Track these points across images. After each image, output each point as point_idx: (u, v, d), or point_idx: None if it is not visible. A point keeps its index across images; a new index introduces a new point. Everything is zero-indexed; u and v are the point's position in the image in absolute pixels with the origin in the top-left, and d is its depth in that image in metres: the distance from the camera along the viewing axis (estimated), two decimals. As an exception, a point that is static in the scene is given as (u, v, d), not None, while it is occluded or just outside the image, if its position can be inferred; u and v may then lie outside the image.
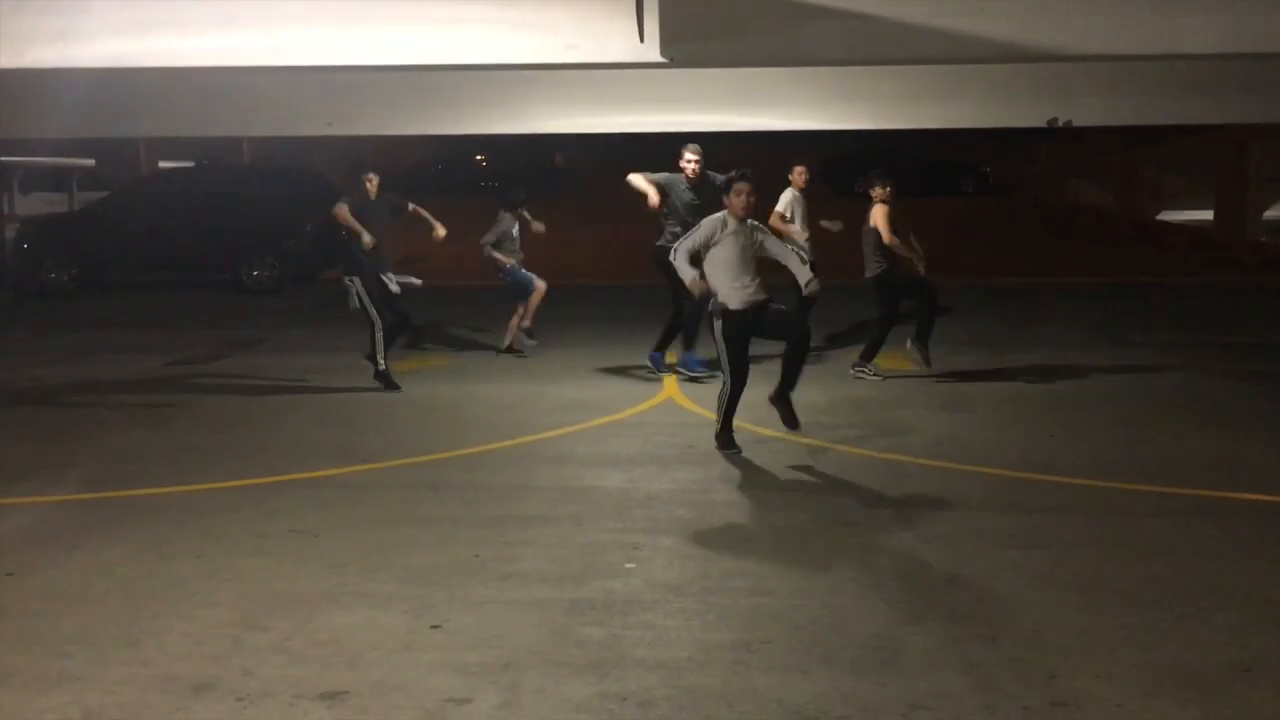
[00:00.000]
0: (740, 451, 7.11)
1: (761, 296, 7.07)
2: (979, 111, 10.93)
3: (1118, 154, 26.09)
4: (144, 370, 10.28)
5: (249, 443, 7.63)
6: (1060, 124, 10.57)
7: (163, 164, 23.60)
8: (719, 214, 7.12)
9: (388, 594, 4.88)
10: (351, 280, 9.18)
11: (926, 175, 27.68)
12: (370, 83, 10.12)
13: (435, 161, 30.74)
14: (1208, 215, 22.66)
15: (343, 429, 8.03)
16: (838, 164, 28.10)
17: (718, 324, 7.07)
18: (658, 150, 17.10)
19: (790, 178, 10.33)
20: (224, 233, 16.47)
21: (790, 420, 7.20)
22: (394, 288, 9.40)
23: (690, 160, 9.24)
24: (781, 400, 7.23)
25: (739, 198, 7.00)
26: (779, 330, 7.24)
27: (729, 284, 7.01)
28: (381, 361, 9.22)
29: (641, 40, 5.61)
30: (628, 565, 5.21)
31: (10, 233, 17.75)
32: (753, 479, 6.64)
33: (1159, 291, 15.96)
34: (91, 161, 26.33)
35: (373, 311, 9.17)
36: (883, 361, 9.93)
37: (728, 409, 7.15)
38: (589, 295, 15.57)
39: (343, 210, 9.05)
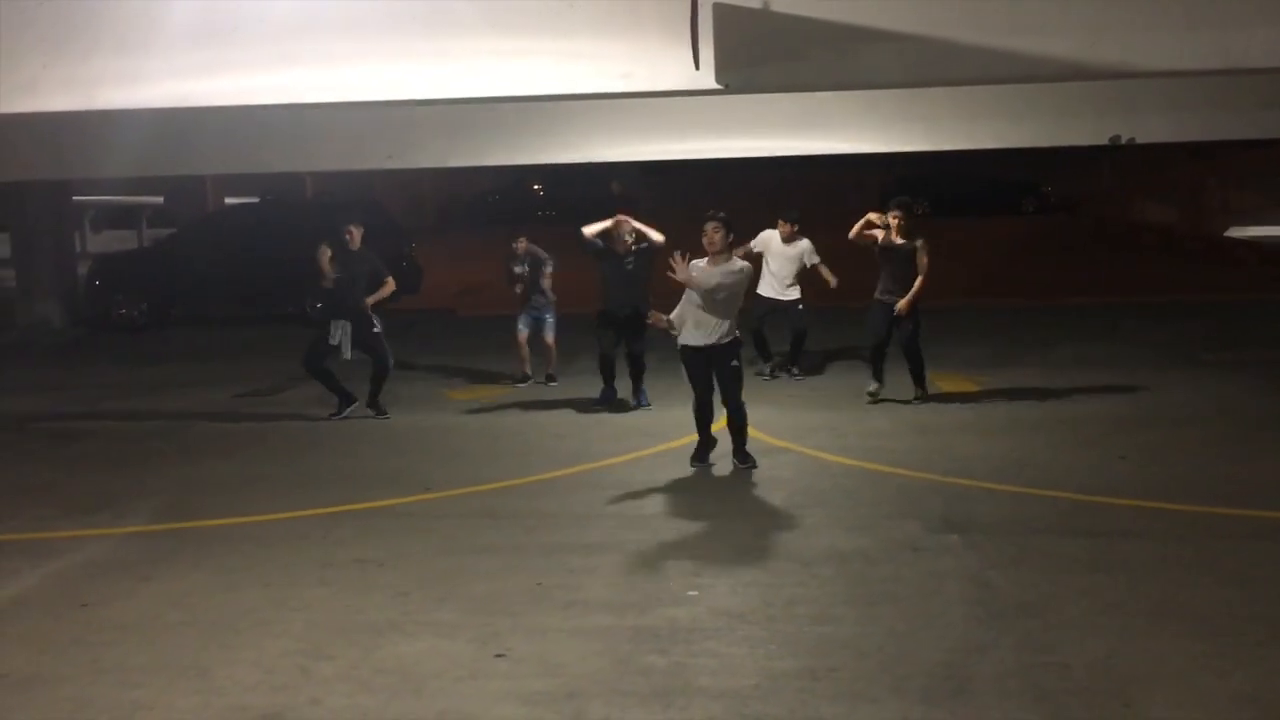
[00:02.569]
0: (711, 465, 7.45)
1: (712, 341, 7.24)
2: (1039, 131, 10.79)
3: (1183, 170, 25.66)
4: (211, 402, 10.46)
5: (314, 473, 7.72)
6: (1123, 141, 10.39)
7: (228, 200, 24.08)
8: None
9: (452, 622, 4.90)
10: (339, 325, 9.33)
11: (986, 196, 27.42)
12: (429, 116, 10.24)
13: (492, 192, 31.06)
14: (1278, 231, 22.16)
15: (405, 458, 8.10)
16: (895, 187, 27.99)
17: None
18: (711, 176, 17.10)
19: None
20: (287, 266, 16.73)
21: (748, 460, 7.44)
22: (335, 340, 9.38)
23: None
24: (740, 457, 7.45)
25: (705, 238, 7.25)
26: (720, 392, 7.45)
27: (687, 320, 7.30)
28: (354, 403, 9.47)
29: (697, 67, 5.60)
30: (690, 593, 5.18)
31: (83, 270, 18.19)
32: (815, 505, 6.59)
33: (1228, 309, 15.61)
34: (160, 199, 26.95)
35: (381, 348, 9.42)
36: (945, 383, 9.82)
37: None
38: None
39: (325, 252, 9.29)
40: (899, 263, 9.28)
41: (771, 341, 10.88)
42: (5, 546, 6.20)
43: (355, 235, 9.50)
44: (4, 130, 10.22)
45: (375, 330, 9.45)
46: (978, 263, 19.55)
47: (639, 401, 9.61)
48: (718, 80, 5.70)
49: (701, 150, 11.31)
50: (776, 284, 10.77)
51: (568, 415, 9.45)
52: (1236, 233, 24.59)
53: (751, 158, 12.39)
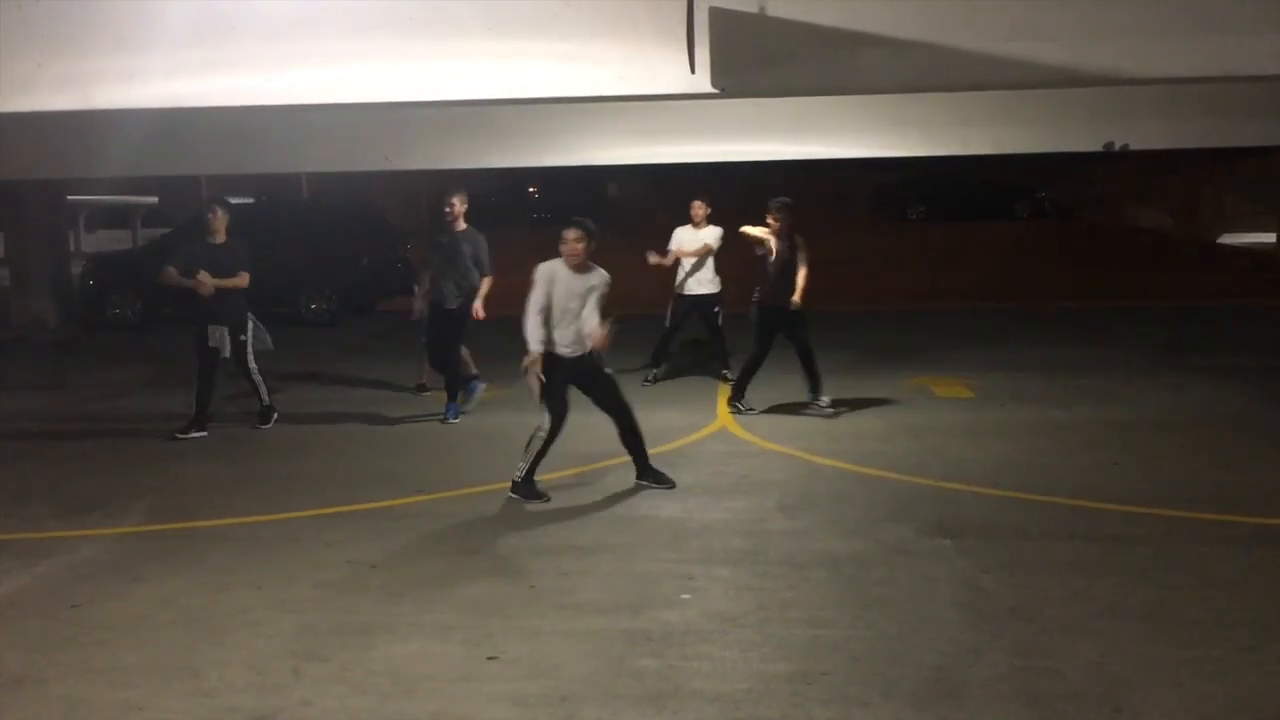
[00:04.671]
0: (548, 500, 6.85)
1: (583, 352, 6.88)
2: (1033, 136, 10.83)
3: (1178, 177, 25.73)
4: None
5: (307, 474, 7.71)
6: (1118, 148, 10.43)
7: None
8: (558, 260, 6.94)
9: (445, 624, 4.90)
10: (215, 328, 8.98)
11: (980, 200, 27.45)
12: (426, 117, 10.24)
13: (489, 194, 31.04)
14: (1271, 238, 22.24)
15: (399, 460, 8.10)
16: (887, 191, 28.01)
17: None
18: (706, 179, 17.11)
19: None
20: (282, 266, 16.72)
21: (666, 481, 7.14)
22: (214, 341, 9.07)
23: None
24: (646, 474, 7.17)
25: (563, 245, 6.88)
26: (604, 407, 7.13)
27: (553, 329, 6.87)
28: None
29: (693, 71, 5.62)
30: (684, 596, 5.18)
31: (77, 269, 18.16)
32: (808, 509, 6.59)
33: (1221, 315, 15.66)
34: (154, 199, 26.92)
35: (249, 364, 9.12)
36: (938, 388, 9.84)
37: (539, 452, 6.91)
38: (643, 325, 15.58)
39: (170, 274, 8.90)
40: (784, 264, 9.09)
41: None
42: (-3, 546, 6.19)
43: (219, 218, 8.97)
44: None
45: (241, 338, 9.06)
46: (971, 267, 19.60)
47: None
48: (714, 84, 5.71)
49: (697, 154, 11.33)
50: (698, 279, 10.63)
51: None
52: (1230, 239, 24.67)
53: (748, 162, 12.43)
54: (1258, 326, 14.79)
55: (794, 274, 9.04)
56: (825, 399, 9.29)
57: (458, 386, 9.42)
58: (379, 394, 10.71)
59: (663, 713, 4.01)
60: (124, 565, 5.81)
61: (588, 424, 9.06)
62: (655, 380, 10.75)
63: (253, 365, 9.19)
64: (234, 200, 23.08)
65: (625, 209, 29.69)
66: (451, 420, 9.29)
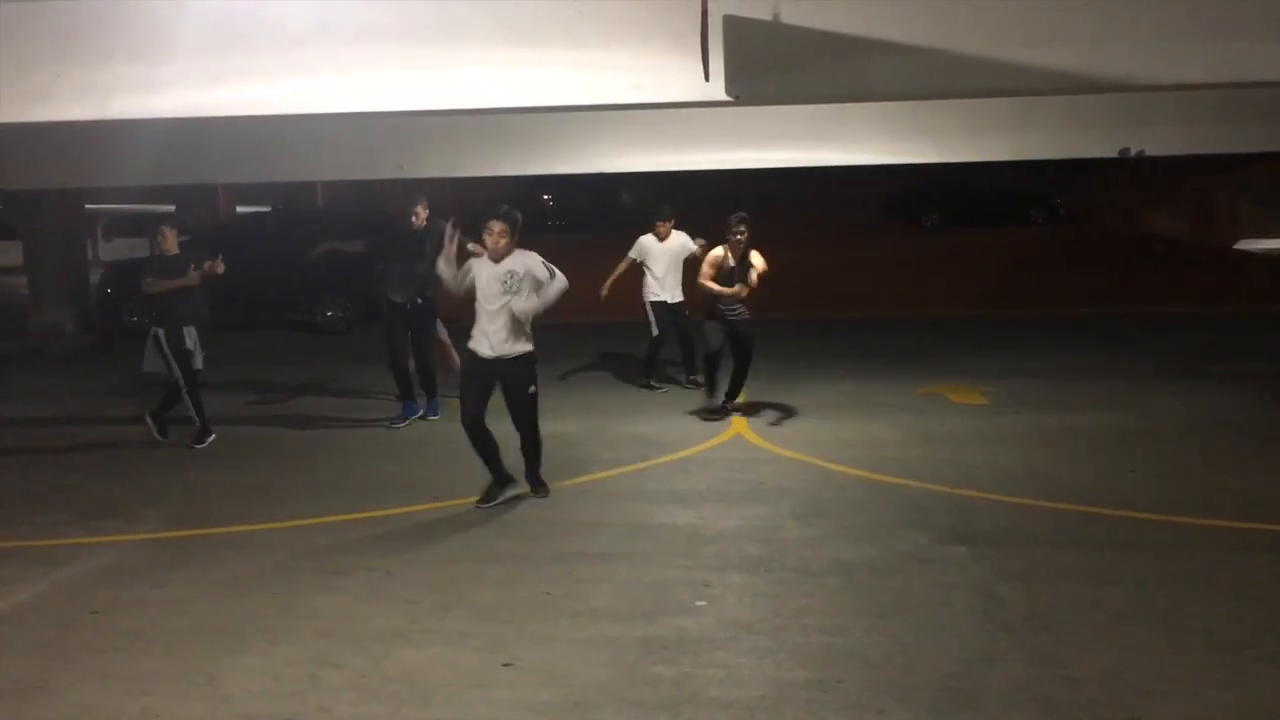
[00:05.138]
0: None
1: (503, 354, 6.77)
2: (1047, 142, 10.81)
3: (1193, 183, 25.61)
4: (221, 409, 10.47)
5: (322, 481, 7.74)
6: (1133, 154, 10.39)
7: (239, 209, 24.17)
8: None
9: (460, 631, 4.91)
10: (187, 331, 8.94)
11: (994, 206, 27.38)
12: (440, 126, 10.28)
13: (502, 201, 31.11)
14: (1287, 244, 22.12)
15: (413, 467, 8.11)
16: (900, 197, 27.96)
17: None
18: (720, 187, 17.09)
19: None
20: (297, 275, 16.80)
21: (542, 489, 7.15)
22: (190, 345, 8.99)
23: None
24: (533, 482, 7.16)
25: (489, 237, 6.75)
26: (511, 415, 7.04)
27: (476, 325, 6.85)
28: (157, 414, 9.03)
29: (707, 79, 5.63)
30: (698, 603, 5.19)
31: (94, 277, 18.26)
32: (823, 516, 6.58)
33: (1235, 322, 15.59)
34: (172, 208, 27.03)
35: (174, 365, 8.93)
36: (952, 395, 9.82)
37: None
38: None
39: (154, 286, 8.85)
40: (741, 276, 9.18)
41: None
42: (16, 553, 6.23)
43: (169, 236, 9.05)
44: (17, 139, 10.28)
45: (187, 347, 8.96)
46: (984, 274, 19.54)
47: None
48: (727, 91, 5.73)
49: (710, 161, 11.35)
50: (668, 288, 10.60)
51: (575, 425, 9.46)
52: (1246, 245, 24.54)
53: (761, 169, 12.43)
54: (1274, 332, 14.71)
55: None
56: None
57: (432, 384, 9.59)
58: (393, 402, 10.73)
59: (677, 719, 4.02)
60: (142, 571, 5.84)
61: (601, 431, 9.09)
62: (656, 388, 10.77)
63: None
64: (249, 209, 23.16)
65: (638, 215, 29.77)
66: (433, 418, 9.49)
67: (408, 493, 7.28)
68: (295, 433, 9.43)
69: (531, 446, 7.12)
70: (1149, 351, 12.88)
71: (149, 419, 9.05)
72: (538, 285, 6.78)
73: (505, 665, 4.54)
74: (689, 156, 11.17)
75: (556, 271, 6.85)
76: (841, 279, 18.49)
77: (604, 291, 10.59)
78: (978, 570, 5.55)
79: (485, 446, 6.89)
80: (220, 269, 8.97)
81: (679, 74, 5.77)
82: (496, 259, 6.75)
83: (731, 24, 5.62)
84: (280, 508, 7.01)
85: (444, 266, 6.85)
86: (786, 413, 9.58)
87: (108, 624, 5.11)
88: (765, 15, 5.63)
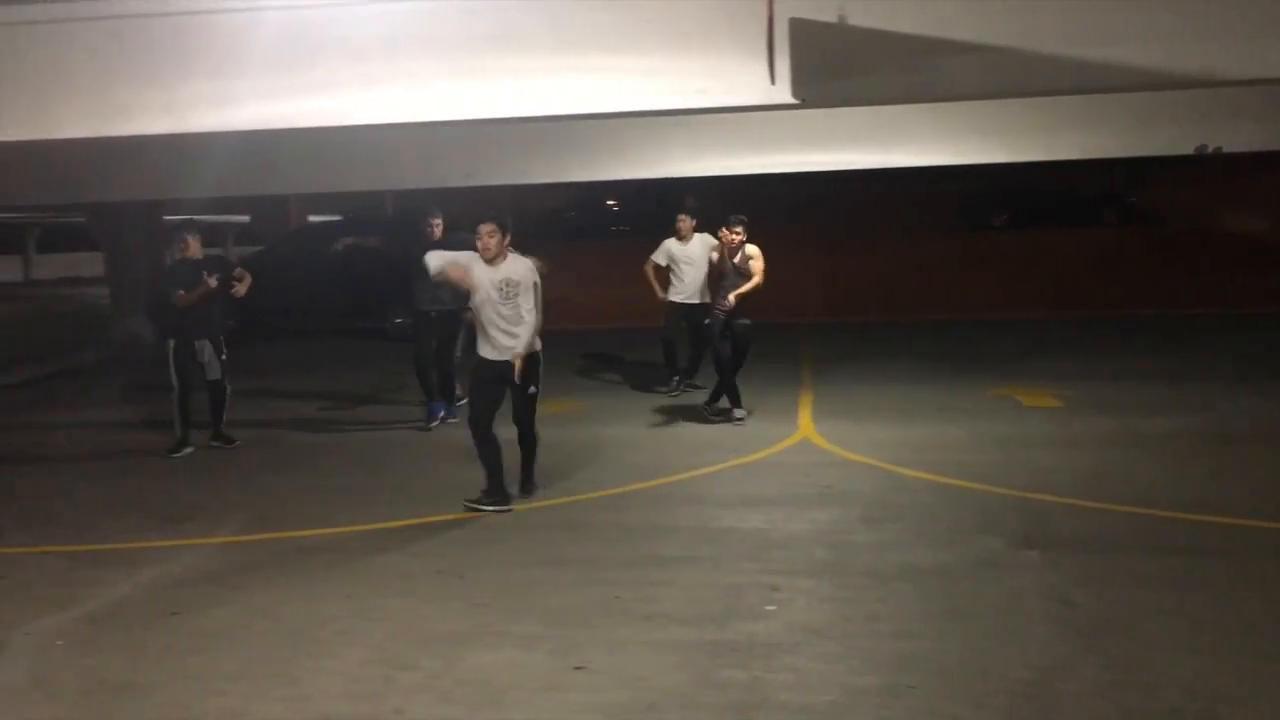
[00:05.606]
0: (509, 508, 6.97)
1: (506, 356, 6.86)
2: (1122, 141, 10.58)
3: (1273, 180, 24.92)
4: (297, 414, 10.69)
5: (393, 485, 7.84)
6: (1210, 151, 10.15)
7: (311, 218, 24.57)
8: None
9: (531, 634, 4.95)
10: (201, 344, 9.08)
11: (1066, 206, 26.91)
12: (508, 133, 10.36)
13: (567, 208, 31.26)
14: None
15: (480, 471, 8.17)
16: (969, 198, 27.59)
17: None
18: (784, 190, 16.99)
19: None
20: (367, 282, 17.03)
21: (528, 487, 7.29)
22: (204, 358, 9.14)
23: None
24: (524, 476, 7.31)
25: (478, 240, 6.90)
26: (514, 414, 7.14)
27: (479, 331, 7.00)
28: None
29: (773, 82, 5.61)
30: (768, 607, 5.17)
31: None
32: (892, 520, 6.53)
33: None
34: (246, 218, 27.56)
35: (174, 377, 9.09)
36: (1025, 397, 9.68)
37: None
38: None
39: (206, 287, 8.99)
40: (736, 275, 9.42)
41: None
42: (101, 555, 6.40)
43: (191, 244, 9.20)
44: (101, 153, 10.57)
45: (223, 357, 9.18)
46: (1057, 274, 19.20)
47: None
48: (794, 95, 5.69)
49: (774, 165, 11.27)
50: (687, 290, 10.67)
51: (642, 429, 9.49)
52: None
53: (824, 172, 12.34)
54: (1360, 332, 14.29)
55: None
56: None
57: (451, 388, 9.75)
58: (461, 407, 10.84)
59: (748, 724, 4.01)
60: (220, 574, 5.97)
61: (667, 435, 9.10)
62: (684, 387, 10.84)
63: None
64: (321, 218, 23.49)
65: (704, 220, 29.73)
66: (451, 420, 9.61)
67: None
68: (366, 436, 9.56)
69: (527, 443, 7.27)
70: (1228, 353, 12.57)
71: (215, 442, 9.21)
72: (534, 292, 6.94)
73: (576, 668, 4.56)
74: (754, 160, 11.12)
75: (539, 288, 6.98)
76: (911, 281, 18.27)
77: (660, 297, 10.81)
78: (1052, 576, 5.46)
79: (489, 451, 7.00)
80: (240, 290, 9.12)
81: (745, 78, 5.76)
82: (489, 260, 6.91)
83: (798, 26, 5.60)
84: (354, 512, 7.12)
85: (433, 256, 7.12)
86: (855, 416, 9.51)
87: (188, 625, 5.23)
88: (831, 17, 5.60)
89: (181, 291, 8.98)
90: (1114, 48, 5.62)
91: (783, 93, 5.69)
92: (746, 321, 9.48)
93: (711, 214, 11.00)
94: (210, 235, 30.35)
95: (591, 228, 28.54)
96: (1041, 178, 25.46)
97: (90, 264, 34.82)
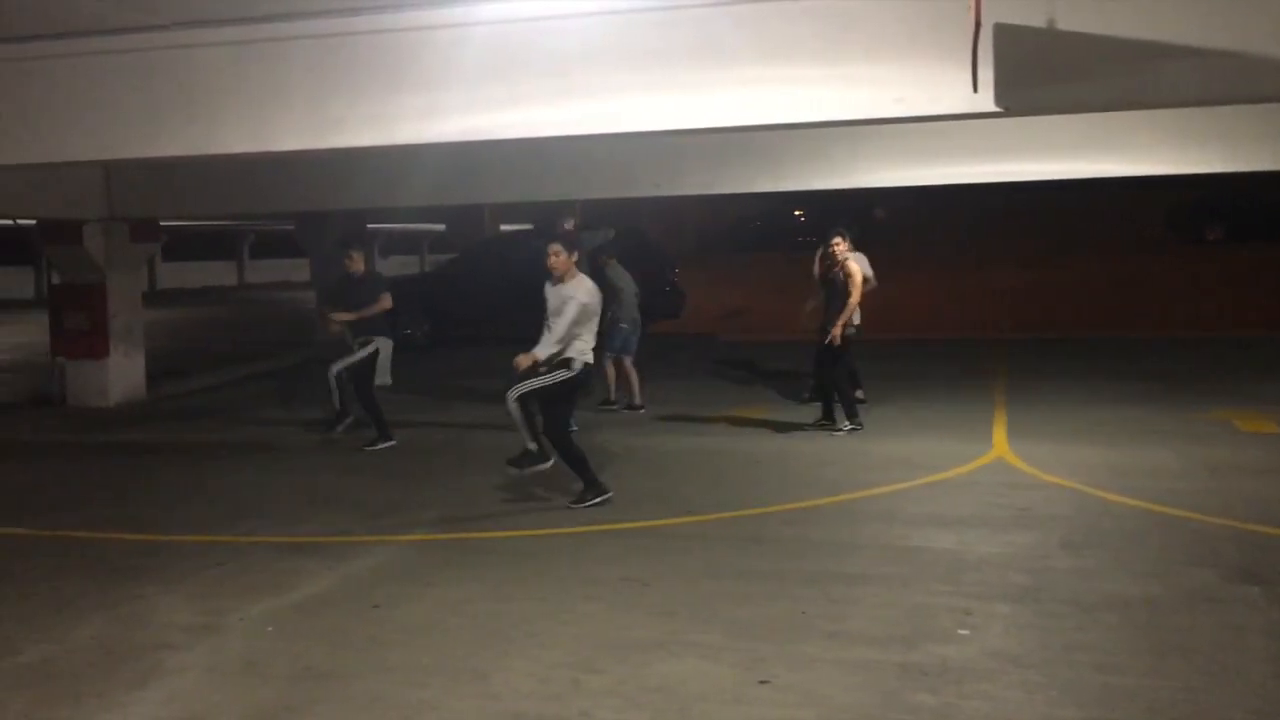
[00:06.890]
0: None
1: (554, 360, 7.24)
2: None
3: None
4: (486, 419, 10.97)
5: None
6: None
7: (503, 227, 25.27)
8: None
9: (717, 645, 4.93)
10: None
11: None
12: (695, 144, 10.44)
13: (754, 217, 31.20)
14: None
15: (667, 480, 8.23)
16: (1182, 210, 26.16)
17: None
18: (985, 201, 16.51)
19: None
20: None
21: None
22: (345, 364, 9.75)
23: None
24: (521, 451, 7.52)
25: (547, 260, 7.35)
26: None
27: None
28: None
29: (975, 90, 5.43)
30: (961, 631, 5.01)
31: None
32: (1095, 546, 6.23)
33: None
34: (442, 227, 28.56)
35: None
36: (1241, 422, 9.11)
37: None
38: (907, 350, 15.26)
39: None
40: (835, 291, 9.44)
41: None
42: (308, 548, 6.72)
43: (356, 259, 9.56)
44: (312, 165, 11.18)
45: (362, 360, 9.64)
46: (1276, 292, 18.03)
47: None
48: (997, 103, 5.51)
49: (973, 174, 10.97)
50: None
51: (829, 443, 9.36)
52: None
53: (1021, 182, 11.92)
54: None
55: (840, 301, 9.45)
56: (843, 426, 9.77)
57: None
58: (644, 417, 10.94)
59: (941, 751, 3.89)
60: (416, 570, 6.18)
61: (856, 450, 8.94)
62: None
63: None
64: (513, 228, 24.18)
65: (891, 231, 29.19)
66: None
67: (660, 506, 7.40)
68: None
69: (543, 428, 7.47)
70: None
71: (376, 446, 9.67)
72: (576, 311, 7.20)
73: (761, 682, 4.52)
74: (950, 170, 10.85)
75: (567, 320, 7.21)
76: (1118, 296, 17.51)
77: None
78: (1274, 613, 5.11)
79: (570, 454, 7.42)
80: (335, 328, 9.67)
81: (945, 86, 5.60)
82: (557, 279, 7.34)
83: (1003, 32, 5.41)
84: (541, 515, 7.27)
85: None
86: (1053, 436, 9.14)
87: (387, 618, 5.43)
88: (1039, 22, 5.39)
89: (323, 310, 9.53)
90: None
91: (985, 101, 5.51)
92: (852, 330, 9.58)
93: (902, 224, 10.77)
94: (407, 244, 31.69)
95: (777, 238, 28.36)
96: (1259, 188, 23.97)
97: (298, 269, 36.89)
